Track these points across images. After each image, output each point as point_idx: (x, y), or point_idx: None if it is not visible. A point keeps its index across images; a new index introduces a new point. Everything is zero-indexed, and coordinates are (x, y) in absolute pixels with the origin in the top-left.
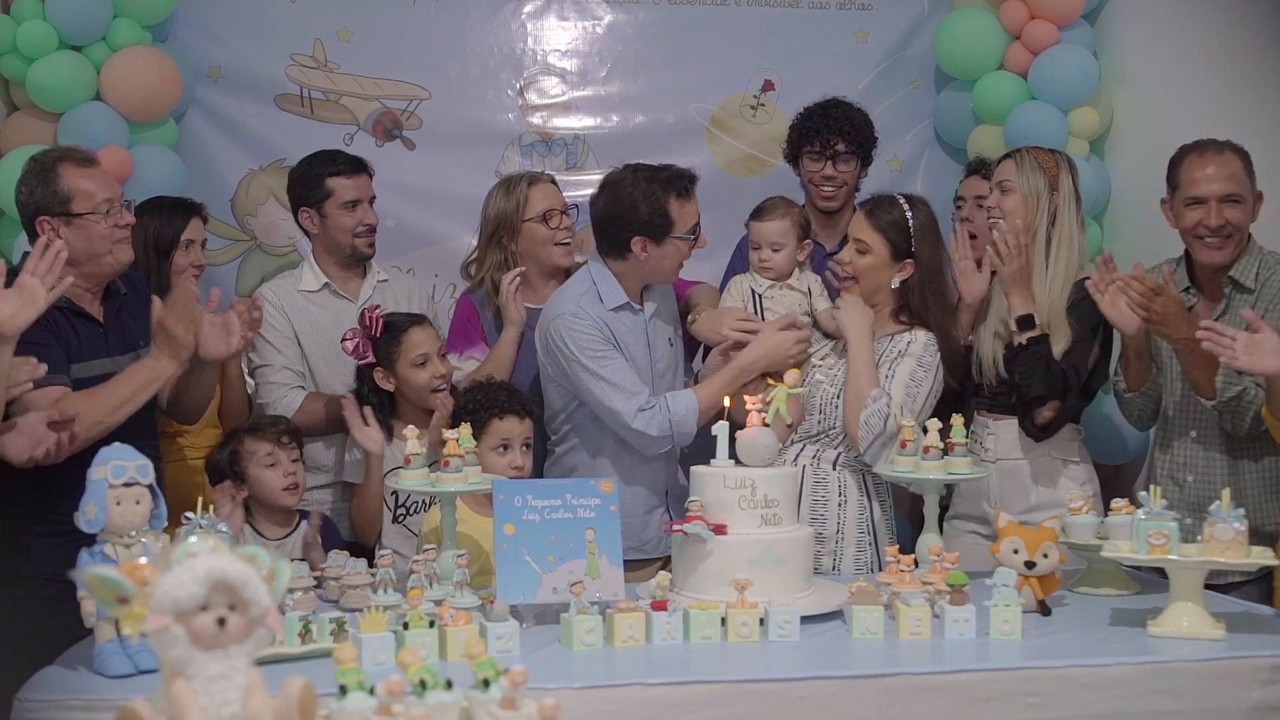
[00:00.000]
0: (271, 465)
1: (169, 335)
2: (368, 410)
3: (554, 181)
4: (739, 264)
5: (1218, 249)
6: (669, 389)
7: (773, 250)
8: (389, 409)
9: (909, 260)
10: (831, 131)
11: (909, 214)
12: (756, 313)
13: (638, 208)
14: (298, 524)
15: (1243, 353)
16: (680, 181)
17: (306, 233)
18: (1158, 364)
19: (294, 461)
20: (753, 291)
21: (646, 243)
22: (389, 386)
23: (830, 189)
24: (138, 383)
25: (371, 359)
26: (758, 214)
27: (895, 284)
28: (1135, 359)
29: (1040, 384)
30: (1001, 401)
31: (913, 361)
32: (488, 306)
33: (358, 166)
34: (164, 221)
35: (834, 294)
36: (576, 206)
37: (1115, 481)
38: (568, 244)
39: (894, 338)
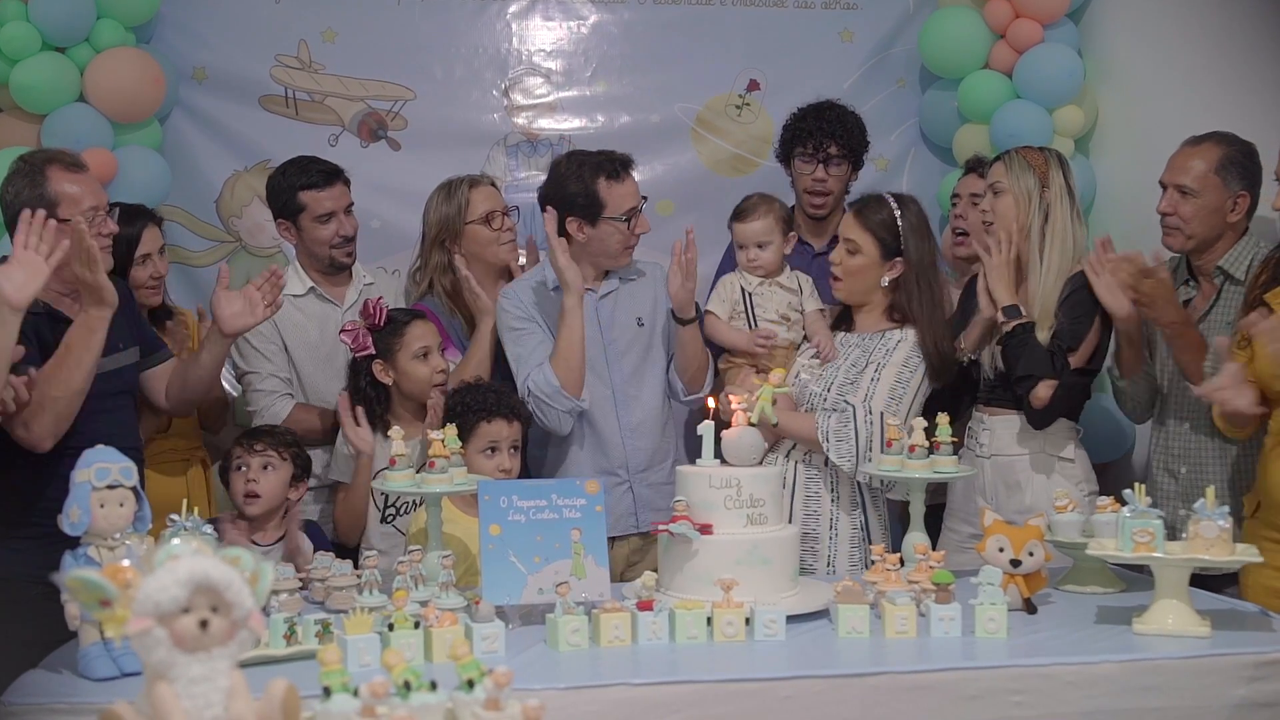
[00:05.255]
0: (238, 469)
1: (82, 283)
2: (360, 410)
3: (494, 183)
4: (729, 267)
5: (1166, 235)
6: (634, 369)
7: (759, 248)
8: (383, 405)
9: (899, 259)
10: (824, 134)
11: (898, 213)
12: (746, 310)
13: (567, 188)
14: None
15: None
16: (610, 164)
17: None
18: (1151, 353)
19: (265, 469)
20: (743, 290)
21: (581, 224)
22: (388, 379)
23: (820, 191)
24: (76, 343)
25: (371, 350)
26: (739, 215)
27: (885, 282)
28: (1127, 345)
29: (1026, 363)
30: (998, 396)
31: (895, 368)
32: (443, 311)
33: (331, 177)
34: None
35: (824, 294)
36: (518, 208)
37: (1102, 477)
38: (511, 243)
39: (884, 335)
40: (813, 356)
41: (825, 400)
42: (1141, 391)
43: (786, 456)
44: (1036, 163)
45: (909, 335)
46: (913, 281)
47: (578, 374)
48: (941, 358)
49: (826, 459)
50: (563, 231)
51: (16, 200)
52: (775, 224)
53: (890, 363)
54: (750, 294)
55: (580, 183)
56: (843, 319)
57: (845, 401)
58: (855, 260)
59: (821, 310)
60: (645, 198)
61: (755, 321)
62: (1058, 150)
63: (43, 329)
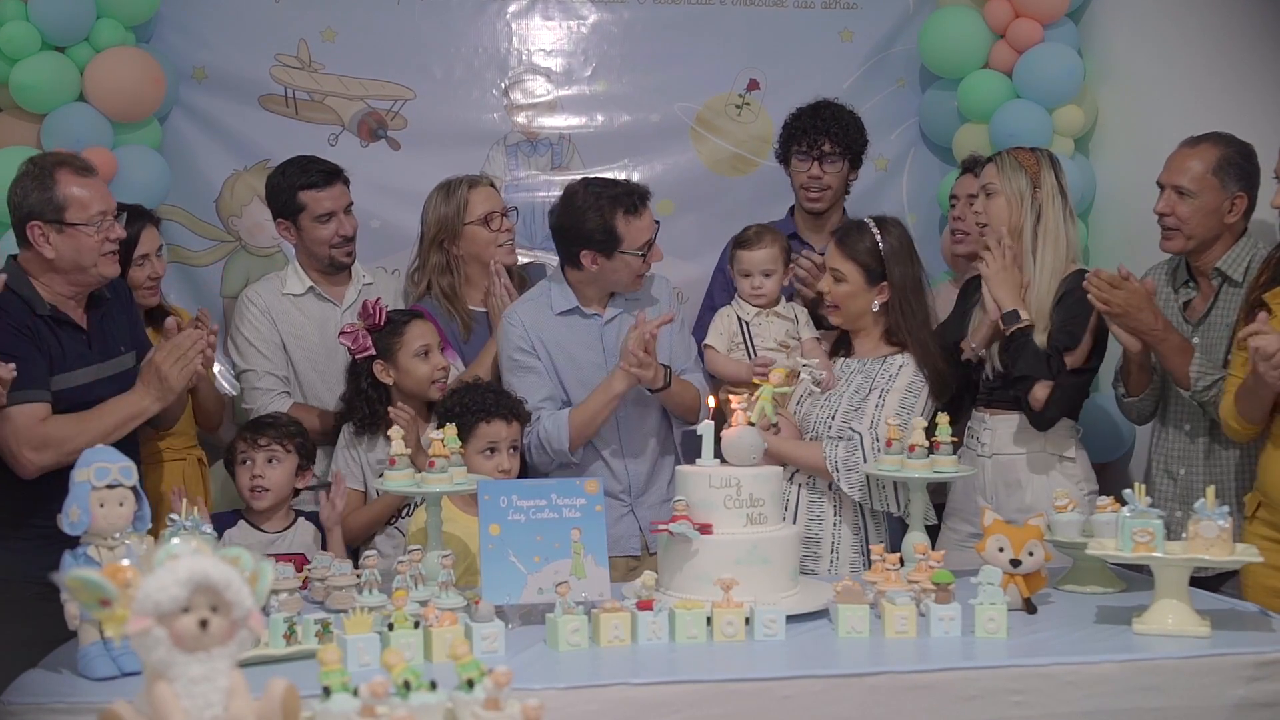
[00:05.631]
0: (243, 464)
1: (161, 378)
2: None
3: (493, 184)
4: (721, 285)
5: (1164, 238)
6: (638, 395)
7: (764, 276)
8: (384, 406)
9: (885, 283)
10: (819, 132)
11: (879, 238)
12: (744, 340)
13: (585, 223)
14: (294, 521)
15: None
16: (629, 199)
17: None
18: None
19: (270, 463)
20: (740, 320)
21: (596, 256)
22: (389, 379)
23: (817, 190)
24: (120, 416)
25: (372, 351)
26: (745, 244)
27: (876, 307)
28: (1137, 370)
29: (1023, 364)
30: (999, 396)
31: (900, 393)
32: (441, 314)
33: (331, 177)
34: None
35: (814, 315)
36: (516, 208)
37: (1101, 477)
38: (510, 243)
39: (885, 360)
40: (816, 382)
41: (830, 428)
42: (1147, 403)
43: (790, 480)
44: (1028, 163)
45: (910, 359)
46: (908, 305)
47: (588, 438)
48: (940, 376)
49: (831, 484)
50: (575, 261)
51: (25, 203)
52: (780, 254)
53: (894, 388)
54: (748, 324)
55: (599, 217)
56: (841, 344)
57: (851, 429)
58: (842, 288)
59: (817, 338)
60: (658, 222)
61: (754, 352)
62: (1050, 150)
63: (46, 335)
